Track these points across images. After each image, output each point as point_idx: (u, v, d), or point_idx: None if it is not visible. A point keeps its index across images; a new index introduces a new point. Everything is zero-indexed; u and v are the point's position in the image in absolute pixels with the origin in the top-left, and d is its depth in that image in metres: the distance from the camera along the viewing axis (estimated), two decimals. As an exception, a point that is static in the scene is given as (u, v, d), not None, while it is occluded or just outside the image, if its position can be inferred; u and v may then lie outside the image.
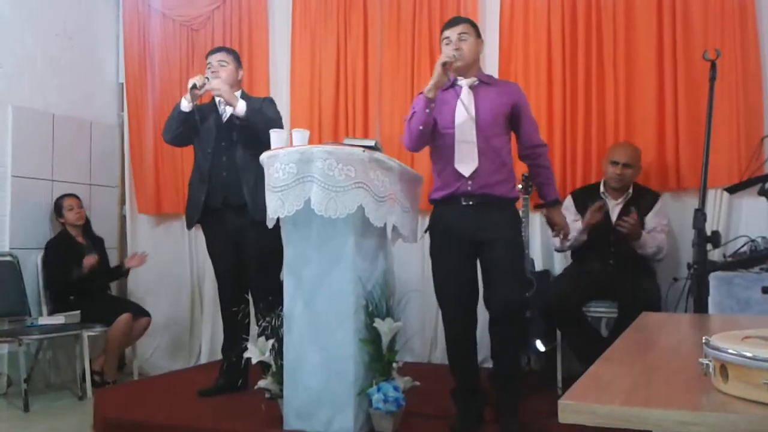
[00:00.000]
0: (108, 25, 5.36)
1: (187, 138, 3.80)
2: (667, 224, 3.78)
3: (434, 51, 4.43)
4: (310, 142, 3.22)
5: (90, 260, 4.45)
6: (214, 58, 3.82)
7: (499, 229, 2.98)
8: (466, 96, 3.03)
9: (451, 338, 3.10)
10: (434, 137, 3.06)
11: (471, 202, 2.99)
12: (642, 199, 3.77)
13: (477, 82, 3.08)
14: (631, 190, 3.83)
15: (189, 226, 3.93)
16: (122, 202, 5.39)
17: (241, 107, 3.61)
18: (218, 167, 3.72)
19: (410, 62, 4.51)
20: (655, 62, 3.94)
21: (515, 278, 3.03)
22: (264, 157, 3.08)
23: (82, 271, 4.42)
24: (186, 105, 3.64)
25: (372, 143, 3.10)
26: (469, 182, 2.97)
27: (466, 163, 2.97)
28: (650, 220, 3.73)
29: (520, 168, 3.48)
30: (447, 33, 3.08)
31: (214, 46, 4.98)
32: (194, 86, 3.60)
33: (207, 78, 3.68)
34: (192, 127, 3.69)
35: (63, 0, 4.95)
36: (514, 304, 2.98)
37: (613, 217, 3.77)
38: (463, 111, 3.00)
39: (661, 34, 3.95)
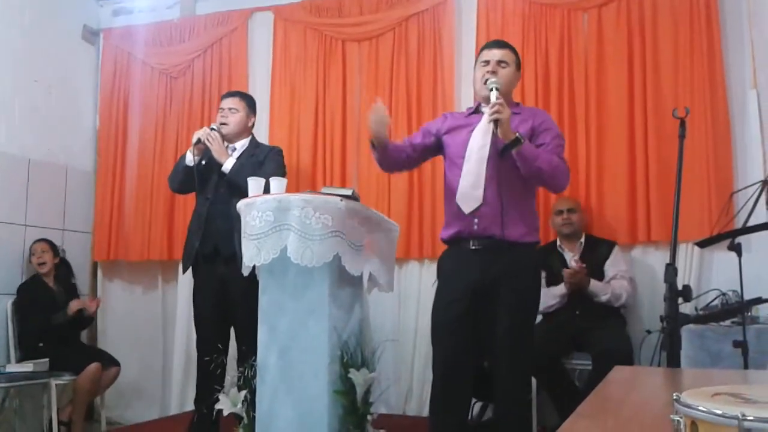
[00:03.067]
0: (88, 72, 5.38)
1: (192, 187, 3.87)
2: (627, 270, 3.85)
3: (411, 101, 4.50)
4: (288, 190, 3.23)
5: (76, 304, 4.39)
6: (226, 104, 3.92)
7: (507, 284, 2.76)
8: (484, 125, 2.82)
9: (436, 393, 2.93)
10: (446, 166, 2.98)
11: (479, 246, 2.80)
12: (597, 249, 3.85)
13: None
14: (583, 240, 3.93)
15: (184, 270, 3.96)
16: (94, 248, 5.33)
17: (227, 165, 3.71)
18: (214, 214, 3.75)
19: (388, 112, 4.55)
20: (626, 119, 4.04)
21: (520, 362, 2.80)
22: (241, 204, 3.08)
23: (66, 314, 4.34)
24: (190, 159, 3.75)
25: (349, 192, 3.11)
26: (475, 221, 2.79)
27: (469, 199, 2.80)
28: (609, 268, 3.82)
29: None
30: (486, 55, 2.89)
31: (193, 94, 5.06)
32: (198, 140, 3.71)
33: (213, 127, 3.78)
34: (195, 178, 3.77)
35: (43, 46, 4.97)
36: (517, 402, 2.82)
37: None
38: (477, 141, 2.82)
39: (632, 92, 4.05)
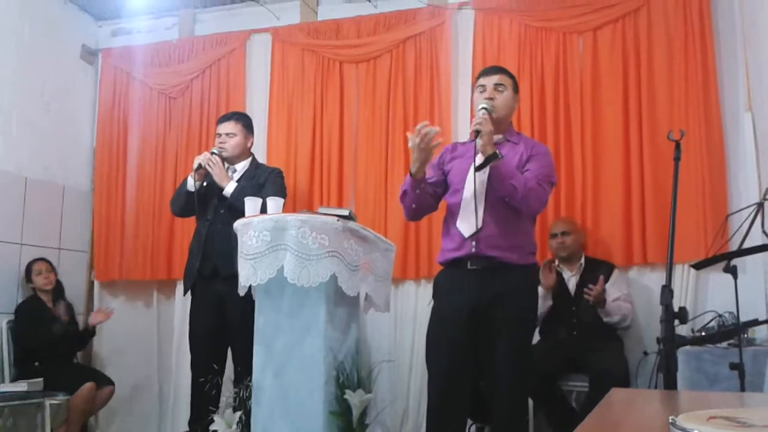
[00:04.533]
0: (86, 91, 5.40)
1: (193, 211, 3.90)
2: (628, 293, 3.85)
3: (408, 123, 4.51)
4: (285, 210, 3.24)
5: (60, 310, 4.44)
6: (223, 129, 3.94)
7: (504, 304, 2.78)
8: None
9: (432, 414, 2.91)
10: (448, 193, 2.98)
11: (476, 267, 2.81)
12: (597, 271, 3.85)
13: (503, 140, 2.93)
14: (583, 261, 3.93)
15: (185, 291, 3.98)
16: (91, 267, 5.32)
17: (228, 189, 3.75)
18: (214, 235, 3.78)
19: (385, 133, 4.58)
20: (621, 141, 4.06)
21: (517, 382, 2.80)
22: (238, 224, 3.09)
23: (61, 323, 4.39)
24: (191, 184, 3.81)
25: (346, 212, 3.13)
26: (473, 244, 2.81)
27: (468, 223, 2.82)
28: (611, 289, 3.81)
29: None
30: (482, 81, 2.94)
31: (191, 114, 5.08)
32: (199, 166, 3.77)
33: (213, 152, 3.83)
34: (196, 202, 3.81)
35: (42, 65, 4.99)
36: (514, 423, 2.82)
37: (571, 288, 3.84)
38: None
39: (627, 114, 4.08)
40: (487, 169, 2.80)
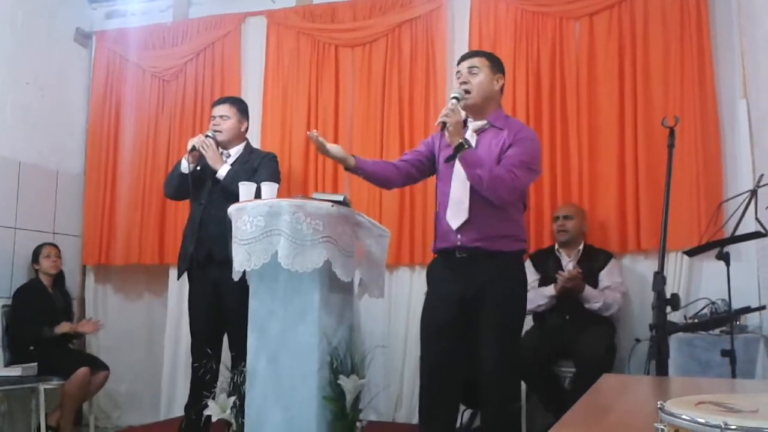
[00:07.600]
0: (80, 76, 5.36)
1: (187, 193, 3.88)
2: (621, 283, 3.87)
3: (404, 107, 4.51)
4: (279, 195, 3.23)
5: (63, 327, 4.39)
6: (217, 111, 3.93)
7: (492, 290, 2.78)
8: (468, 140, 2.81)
9: (424, 399, 2.94)
10: (437, 182, 3.01)
11: (464, 255, 2.82)
12: (595, 259, 3.89)
13: (487, 126, 2.91)
14: (581, 247, 3.95)
15: (179, 276, 3.97)
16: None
17: (221, 172, 3.73)
18: (208, 219, 3.76)
19: (380, 118, 4.57)
20: (616, 127, 4.06)
21: (507, 368, 2.81)
22: (232, 209, 3.08)
23: (51, 332, 4.34)
24: (185, 166, 3.78)
25: (341, 198, 3.11)
26: (459, 235, 2.82)
27: (456, 214, 2.83)
28: (604, 277, 3.84)
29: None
30: (458, 67, 2.95)
31: (185, 97, 5.06)
32: (193, 148, 3.74)
33: (208, 134, 3.81)
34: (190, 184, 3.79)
35: (36, 49, 4.95)
36: (505, 409, 2.83)
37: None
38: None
39: (623, 101, 4.07)
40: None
